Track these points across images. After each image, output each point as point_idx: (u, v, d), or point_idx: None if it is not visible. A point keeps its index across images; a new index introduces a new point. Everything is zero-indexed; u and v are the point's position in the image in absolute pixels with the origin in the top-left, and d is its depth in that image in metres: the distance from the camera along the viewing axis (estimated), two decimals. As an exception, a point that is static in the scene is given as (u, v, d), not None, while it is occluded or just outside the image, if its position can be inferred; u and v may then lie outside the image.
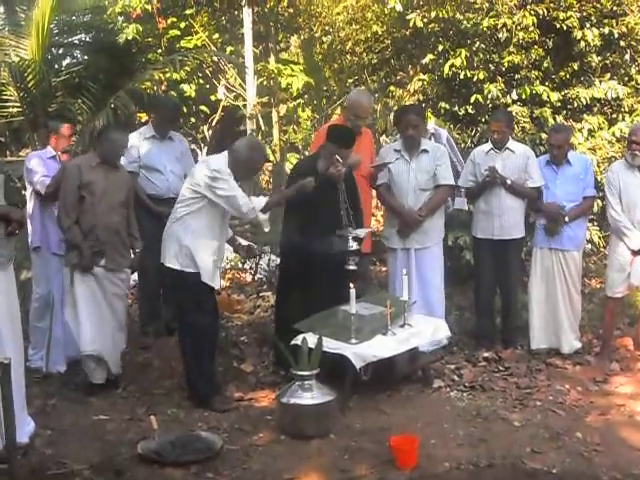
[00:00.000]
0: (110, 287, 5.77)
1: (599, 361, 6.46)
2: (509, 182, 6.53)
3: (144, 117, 10.57)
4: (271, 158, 12.67)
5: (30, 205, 6.24)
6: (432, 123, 7.98)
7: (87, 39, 11.40)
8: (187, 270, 5.40)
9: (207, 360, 5.56)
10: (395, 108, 8.79)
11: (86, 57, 10.81)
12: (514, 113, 8.37)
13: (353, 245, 5.72)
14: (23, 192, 6.48)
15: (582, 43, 8.64)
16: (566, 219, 6.43)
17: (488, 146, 6.78)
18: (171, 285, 5.76)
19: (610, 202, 6.40)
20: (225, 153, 5.52)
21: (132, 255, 5.94)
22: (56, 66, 10.45)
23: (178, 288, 5.56)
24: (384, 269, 8.76)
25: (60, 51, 11.26)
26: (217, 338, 5.84)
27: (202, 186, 5.36)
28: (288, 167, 11.28)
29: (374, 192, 6.94)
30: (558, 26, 8.62)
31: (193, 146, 14.07)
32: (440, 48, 8.89)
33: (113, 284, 5.79)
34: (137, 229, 6.00)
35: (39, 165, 6.13)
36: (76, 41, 11.24)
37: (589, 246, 8.00)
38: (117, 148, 5.82)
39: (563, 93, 8.80)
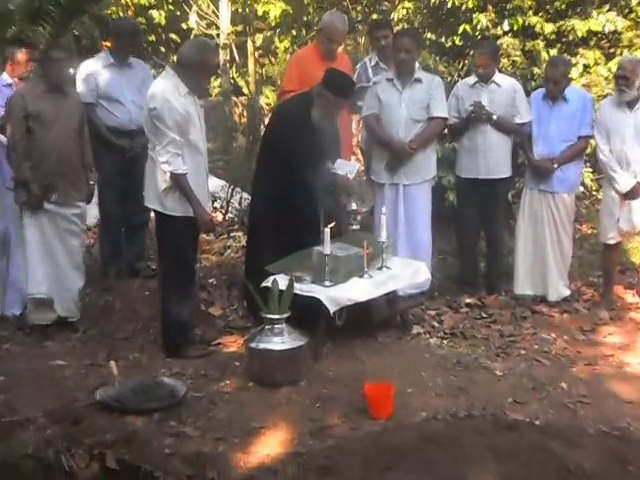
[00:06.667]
0: (63, 224, 5.62)
1: (596, 310, 6.30)
2: (495, 118, 6.32)
3: (109, 45, 10.29)
4: (245, 91, 12.40)
5: (-16, 138, 6.07)
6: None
7: (48, -41, 11.02)
8: (171, 213, 5.15)
9: (188, 304, 5.37)
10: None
11: (47, -21, 10.44)
12: (504, 45, 8.13)
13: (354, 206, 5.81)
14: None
15: (580, -30, 8.38)
16: (555, 165, 6.21)
17: (473, 79, 6.53)
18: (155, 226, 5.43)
19: (598, 142, 6.22)
20: (170, 73, 5.13)
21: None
22: (14, -11, 10.08)
23: (162, 230, 5.30)
24: (363, 209, 8.61)
25: (19, -28, 10.88)
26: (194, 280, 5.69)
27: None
28: (263, 101, 11.05)
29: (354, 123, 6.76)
30: (555, -50, 8.32)
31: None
32: (427, -27, 8.59)
33: (66, 220, 5.63)
34: (92, 159, 5.81)
35: (-8, 95, 5.95)
36: (37, -38, 10.87)
37: (581, 189, 7.80)
38: (61, 69, 5.57)
39: (558, 25, 8.50)
